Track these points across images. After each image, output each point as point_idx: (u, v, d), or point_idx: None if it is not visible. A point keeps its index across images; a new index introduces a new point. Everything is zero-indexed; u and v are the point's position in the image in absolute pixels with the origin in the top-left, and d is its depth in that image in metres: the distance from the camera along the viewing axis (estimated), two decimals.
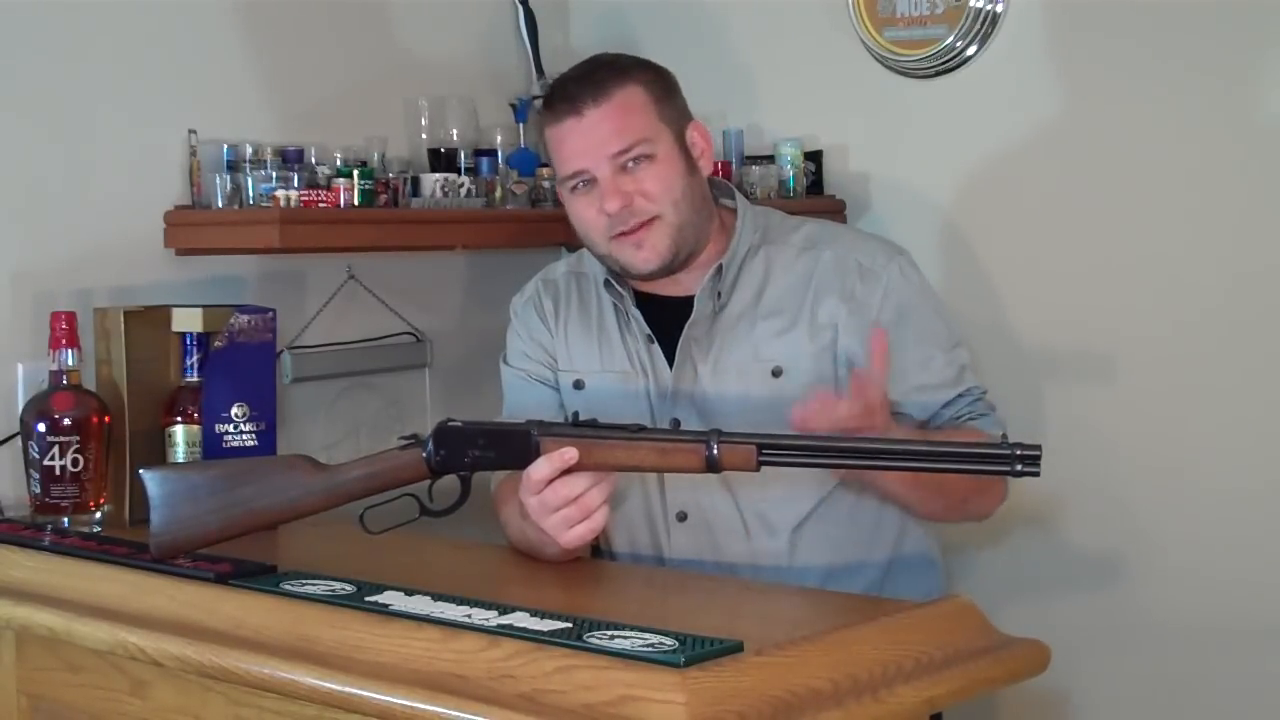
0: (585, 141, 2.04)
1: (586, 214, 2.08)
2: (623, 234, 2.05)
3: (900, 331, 2.06)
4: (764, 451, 1.74)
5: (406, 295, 2.81)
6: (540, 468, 1.81)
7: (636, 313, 2.14)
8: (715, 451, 1.75)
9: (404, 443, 1.91)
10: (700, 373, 2.11)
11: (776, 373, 2.08)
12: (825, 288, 2.09)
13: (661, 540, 2.14)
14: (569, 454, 1.80)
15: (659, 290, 2.15)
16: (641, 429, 1.81)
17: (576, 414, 1.88)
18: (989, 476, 2.00)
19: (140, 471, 1.91)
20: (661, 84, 2.10)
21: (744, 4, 3.02)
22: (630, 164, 2.04)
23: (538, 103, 2.94)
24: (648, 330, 2.14)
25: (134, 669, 1.82)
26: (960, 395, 2.09)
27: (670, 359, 2.13)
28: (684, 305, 2.12)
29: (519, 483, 1.86)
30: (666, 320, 2.14)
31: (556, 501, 1.82)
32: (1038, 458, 1.64)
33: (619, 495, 2.10)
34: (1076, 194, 2.68)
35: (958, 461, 1.72)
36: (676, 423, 2.10)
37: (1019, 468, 1.64)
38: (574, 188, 2.08)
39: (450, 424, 1.89)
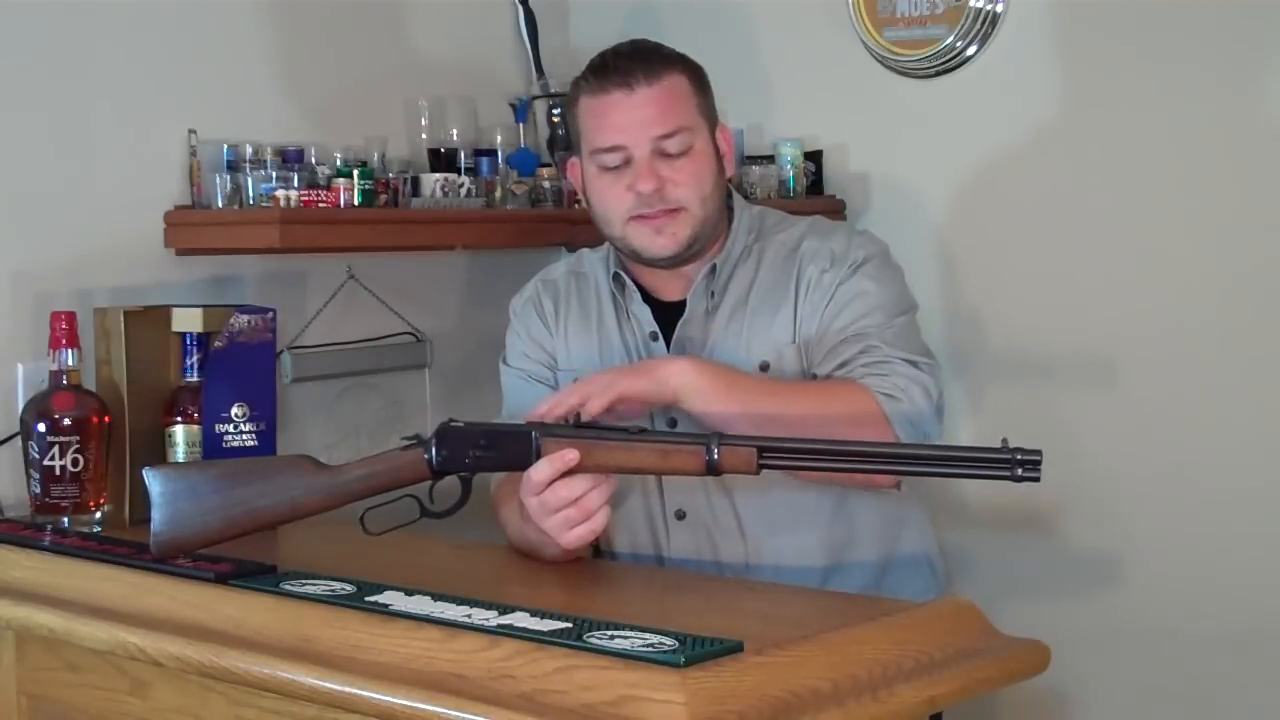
0: (631, 118, 2.03)
1: (611, 191, 2.07)
2: (644, 217, 2.05)
3: (843, 314, 2.03)
4: (764, 454, 1.74)
5: (406, 295, 2.81)
6: (541, 469, 1.81)
7: (643, 309, 2.14)
8: (716, 455, 1.75)
9: (406, 443, 1.91)
10: None
11: (764, 368, 2.08)
12: (802, 278, 2.09)
13: (660, 539, 2.14)
14: (570, 456, 1.81)
15: (659, 292, 2.15)
16: (642, 431, 1.81)
17: (578, 415, 1.88)
18: (861, 426, 1.91)
19: (143, 470, 1.91)
20: (700, 79, 2.11)
21: (744, 4, 3.02)
22: (670, 153, 2.03)
23: (538, 103, 2.96)
24: (653, 327, 2.14)
25: (134, 669, 1.83)
26: (861, 351, 2.00)
27: None
28: (680, 307, 2.12)
29: (519, 483, 1.87)
30: (665, 321, 2.14)
31: (557, 503, 1.82)
32: (1038, 463, 1.64)
33: (619, 495, 2.10)
34: (1076, 194, 2.68)
35: (956, 465, 1.73)
36: (673, 422, 2.10)
37: (1019, 472, 1.64)
38: (603, 166, 2.06)
39: (452, 425, 1.89)
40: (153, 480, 1.88)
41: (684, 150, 2.04)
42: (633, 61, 2.05)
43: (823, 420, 1.90)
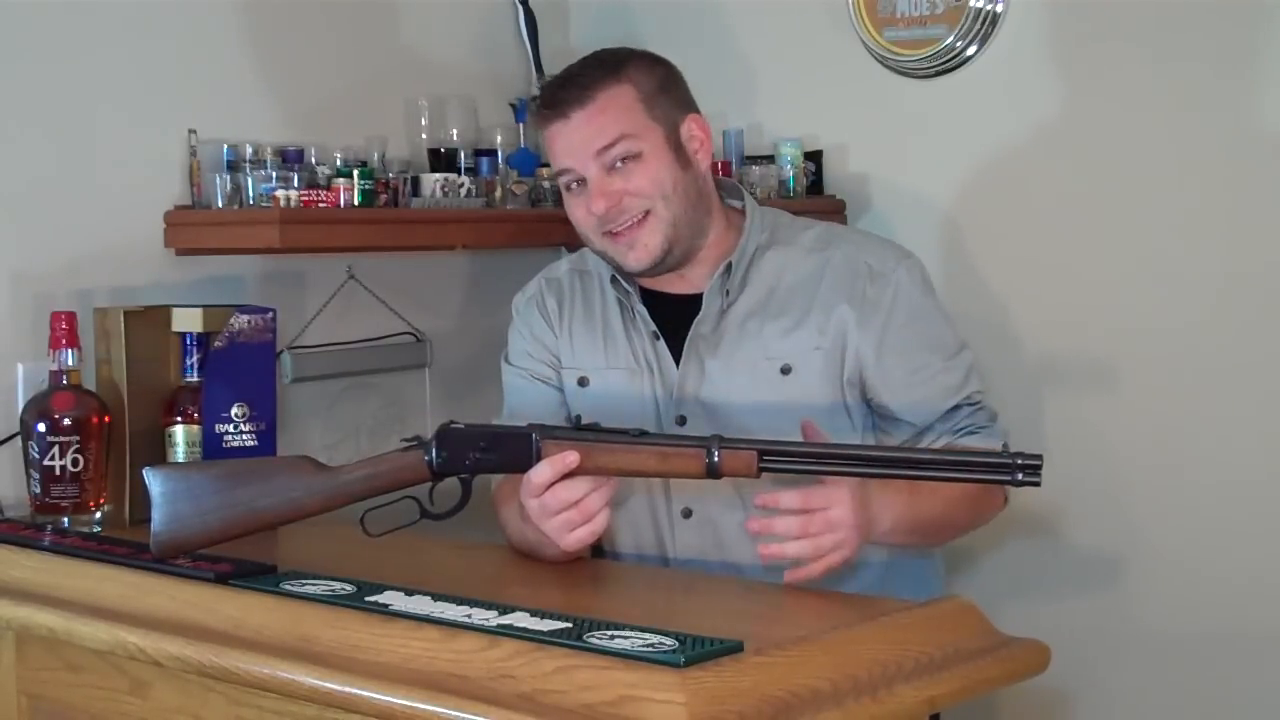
0: (570, 142, 2.07)
1: (579, 213, 2.10)
2: (612, 234, 2.06)
3: (907, 335, 2.07)
4: (765, 458, 1.74)
5: (406, 295, 2.81)
6: (541, 472, 1.81)
7: (643, 309, 2.14)
8: (716, 458, 1.75)
9: (406, 445, 1.91)
10: (708, 370, 2.11)
11: (785, 370, 2.08)
12: (835, 290, 2.09)
13: (665, 538, 2.14)
14: (570, 458, 1.81)
15: (665, 288, 2.15)
16: (643, 434, 1.81)
17: (579, 418, 1.88)
18: (986, 494, 2.01)
19: (143, 470, 1.91)
20: (655, 78, 2.10)
21: (744, 4, 3.02)
22: (618, 163, 2.04)
23: (537, 103, 2.96)
24: (653, 327, 2.14)
25: (134, 669, 1.83)
26: (959, 405, 2.08)
27: (676, 356, 2.13)
28: (690, 303, 2.12)
29: (519, 484, 1.87)
30: (672, 318, 2.14)
31: (557, 505, 1.82)
32: (1039, 467, 1.65)
33: (623, 494, 2.10)
34: (1076, 194, 2.68)
35: (960, 470, 1.73)
36: (683, 419, 2.10)
37: (1020, 477, 1.65)
38: (568, 186, 2.10)
39: (452, 426, 1.89)
40: (153, 480, 1.88)
41: (632, 156, 2.05)
42: (564, 89, 2.08)
43: (972, 501, 2.01)
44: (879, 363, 2.07)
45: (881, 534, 1.91)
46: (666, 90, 2.11)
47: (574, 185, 2.09)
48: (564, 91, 2.08)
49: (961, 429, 2.07)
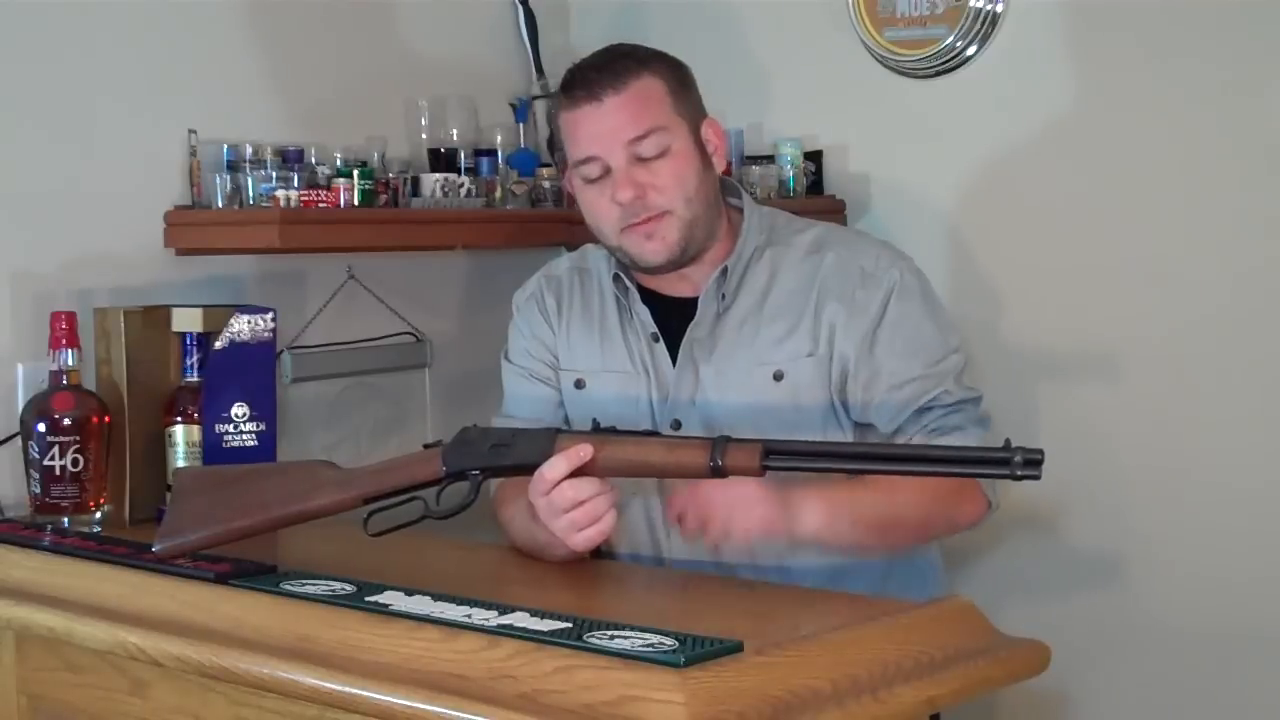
0: (600, 127, 2.03)
1: (598, 204, 2.07)
2: (633, 225, 2.05)
3: (891, 340, 2.05)
4: (769, 455, 1.75)
5: (406, 295, 2.81)
6: (556, 466, 1.82)
7: (643, 310, 2.14)
8: (721, 456, 1.76)
9: (427, 449, 1.91)
10: (702, 375, 2.11)
11: (778, 376, 2.07)
12: (827, 291, 2.08)
13: (660, 540, 2.14)
14: (584, 450, 1.81)
15: (665, 289, 2.15)
16: (653, 433, 1.85)
17: (596, 422, 1.88)
18: (958, 495, 2.00)
19: (175, 470, 1.92)
20: (678, 77, 2.10)
21: (744, 4, 3.02)
22: (645, 156, 2.03)
23: (538, 103, 2.96)
24: (653, 329, 2.14)
25: (134, 669, 1.83)
26: (931, 406, 2.04)
27: (674, 359, 2.12)
28: (688, 305, 2.12)
29: (520, 485, 1.88)
30: (670, 320, 2.13)
31: (564, 504, 1.82)
32: (1039, 462, 1.64)
33: (620, 500, 2.10)
34: (1077, 194, 2.68)
35: (959, 465, 1.73)
36: (678, 424, 2.10)
37: (1019, 472, 1.64)
38: (585, 178, 2.07)
39: (471, 429, 1.90)
40: (178, 478, 1.93)
41: (661, 152, 2.03)
42: (599, 72, 2.05)
43: (934, 502, 1.98)
44: (858, 366, 2.06)
45: (820, 526, 1.91)
46: (687, 89, 2.10)
47: (595, 175, 2.05)
48: (597, 75, 2.04)
49: (934, 430, 2.03)
